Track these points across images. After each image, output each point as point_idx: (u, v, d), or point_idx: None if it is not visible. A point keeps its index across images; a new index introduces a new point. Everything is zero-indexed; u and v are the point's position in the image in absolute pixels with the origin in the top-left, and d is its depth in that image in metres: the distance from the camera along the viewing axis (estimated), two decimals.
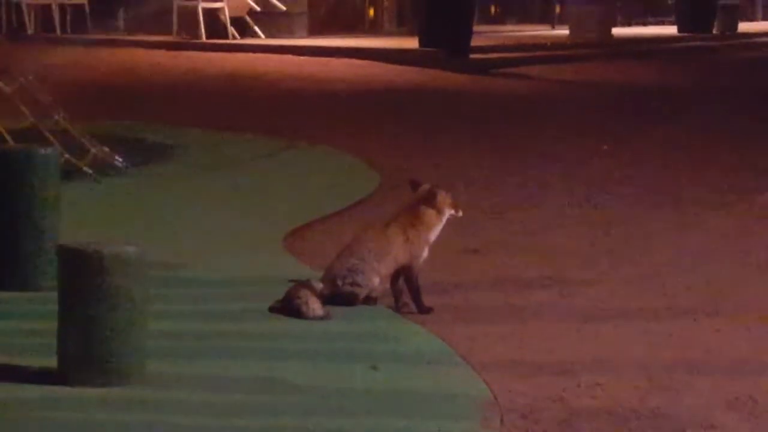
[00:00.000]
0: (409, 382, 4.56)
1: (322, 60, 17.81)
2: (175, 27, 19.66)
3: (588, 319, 5.56)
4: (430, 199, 5.55)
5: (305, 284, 5.38)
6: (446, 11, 17.98)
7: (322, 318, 5.23)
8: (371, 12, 23.17)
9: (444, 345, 5.00)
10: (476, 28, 19.43)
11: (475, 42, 18.78)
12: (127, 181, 8.47)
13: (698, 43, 23.74)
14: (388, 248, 5.45)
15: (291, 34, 20.29)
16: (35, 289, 5.52)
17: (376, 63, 17.55)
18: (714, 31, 25.36)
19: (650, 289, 6.13)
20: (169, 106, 13.01)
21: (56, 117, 8.78)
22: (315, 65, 17.29)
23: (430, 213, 5.53)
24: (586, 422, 4.32)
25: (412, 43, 18.95)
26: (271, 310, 5.32)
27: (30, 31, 20.02)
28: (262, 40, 19.64)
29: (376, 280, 5.44)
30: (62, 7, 20.25)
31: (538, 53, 20.07)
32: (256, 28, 19.98)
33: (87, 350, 4.36)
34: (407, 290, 5.51)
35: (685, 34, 24.68)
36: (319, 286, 5.38)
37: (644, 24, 27.82)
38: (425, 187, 5.61)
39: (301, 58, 18.04)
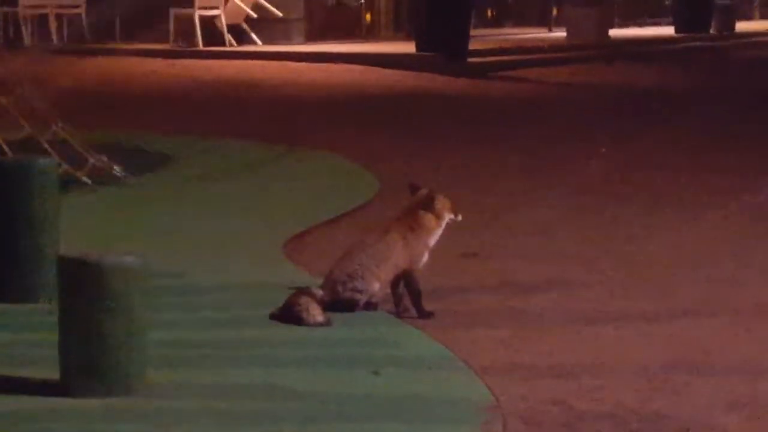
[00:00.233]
0: (410, 387, 4.56)
1: (320, 66, 17.81)
2: (171, 35, 19.67)
3: (588, 322, 5.57)
4: (429, 204, 5.55)
5: (305, 291, 5.38)
6: (443, 15, 17.99)
7: (322, 324, 5.23)
8: (368, 17, 23.18)
9: (445, 349, 5.00)
10: (473, 31, 19.42)
11: (473, 45, 18.79)
12: (126, 190, 8.47)
13: (696, 43, 23.74)
14: (387, 253, 5.45)
15: (288, 40, 20.30)
16: (35, 300, 5.52)
17: (373, 68, 17.55)
18: (711, 31, 25.36)
19: (650, 291, 6.14)
20: (167, 114, 13.01)
21: (54, 127, 8.78)
22: (312, 71, 17.30)
23: (429, 217, 5.53)
24: (588, 425, 4.32)
25: (409, 47, 18.96)
26: (272, 317, 5.33)
27: (27, 41, 20.02)
28: (259, 46, 19.65)
29: (377, 286, 5.44)
30: (59, 17, 20.26)
31: (535, 56, 20.07)
32: (253, 35, 19.98)
33: (88, 361, 4.36)
34: (407, 295, 5.51)
35: (683, 35, 24.68)
36: (320, 292, 5.38)
37: (641, 25, 27.82)
38: (424, 191, 5.61)
39: (299, 64, 18.04)
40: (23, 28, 20.06)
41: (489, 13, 26.43)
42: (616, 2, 26.49)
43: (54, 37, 20.12)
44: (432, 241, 5.55)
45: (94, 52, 18.96)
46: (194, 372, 4.68)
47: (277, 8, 20.14)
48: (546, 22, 25.57)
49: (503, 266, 6.61)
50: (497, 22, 26.26)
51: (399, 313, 5.51)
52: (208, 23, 19.63)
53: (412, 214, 5.55)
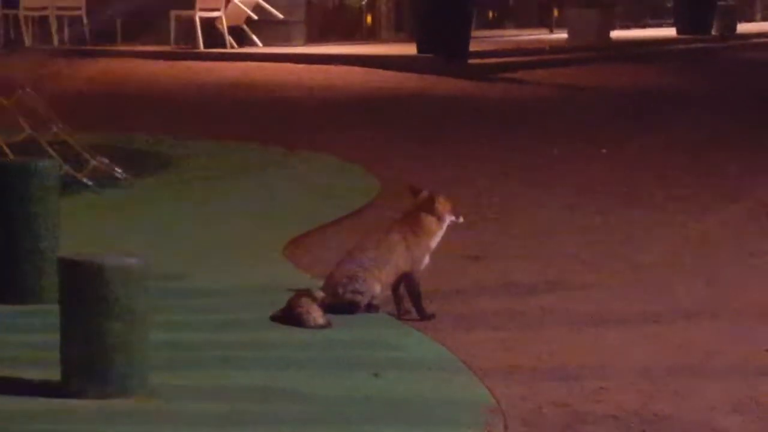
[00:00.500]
0: (411, 389, 4.56)
1: (321, 68, 17.81)
2: (172, 37, 19.67)
3: (590, 323, 5.56)
4: (429, 206, 5.54)
5: (306, 293, 5.38)
6: (444, 16, 17.98)
7: (323, 326, 5.23)
8: (369, 19, 23.18)
9: (446, 351, 4.99)
10: (474, 33, 19.42)
11: (474, 47, 18.79)
12: (127, 191, 8.46)
13: (697, 44, 23.73)
14: (388, 256, 5.45)
15: (289, 42, 20.30)
16: (36, 302, 5.51)
17: (374, 70, 17.56)
18: (713, 33, 25.35)
19: (651, 292, 6.13)
20: (167, 116, 13.00)
21: (55, 129, 8.77)
22: (313, 73, 17.30)
23: (430, 220, 5.52)
24: (590, 427, 4.32)
25: (410, 49, 18.96)
26: (273, 319, 5.32)
27: (27, 43, 20.03)
28: (260, 48, 19.65)
29: (377, 288, 5.44)
30: (60, 19, 20.26)
31: (536, 57, 20.07)
32: (254, 37, 19.99)
33: (89, 362, 4.35)
34: (408, 297, 5.51)
35: (684, 36, 24.67)
36: (321, 294, 5.37)
37: (643, 26, 27.82)
38: (425, 193, 5.61)
39: (299, 66, 18.05)
40: (24, 29, 20.07)
41: (490, 14, 26.44)
42: (618, 3, 26.49)
43: (55, 38, 20.12)
44: (433, 243, 5.54)
45: (94, 54, 18.97)
46: (195, 373, 4.67)
47: (278, 10, 20.14)
48: (547, 24, 25.57)
49: (504, 268, 6.60)
50: (498, 24, 26.26)
51: (400, 314, 5.50)
52: (209, 25, 19.64)
53: (413, 216, 5.54)
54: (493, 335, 5.35)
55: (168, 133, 11.26)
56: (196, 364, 4.79)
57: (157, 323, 4.78)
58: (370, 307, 5.45)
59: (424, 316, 5.48)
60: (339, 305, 5.38)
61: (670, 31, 25.80)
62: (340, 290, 5.40)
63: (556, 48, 21.47)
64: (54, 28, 20.10)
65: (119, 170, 8.69)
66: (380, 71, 17.45)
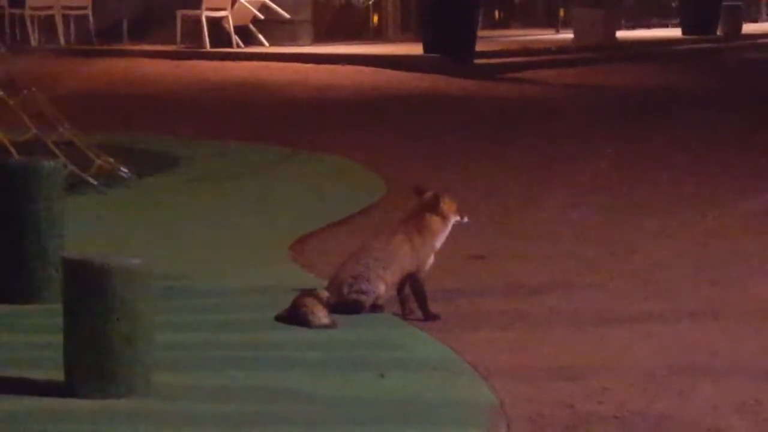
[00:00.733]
0: (415, 389, 4.56)
1: (327, 67, 17.82)
2: (179, 36, 19.69)
3: (594, 324, 5.56)
4: (435, 206, 5.55)
5: (311, 293, 5.38)
6: (450, 16, 17.98)
7: (328, 326, 5.23)
8: (375, 18, 23.18)
9: (450, 352, 5.00)
10: (480, 33, 19.42)
11: (480, 47, 18.78)
12: (132, 191, 8.47)
13: (703, 45, 23.71)
14: (393, 256, 5.45)
15: (295, 41, 20.31)
16: (41, 301, 5.52)
17: (380, 69, 17.56)
18: (718, 33, 25.32)
19: (655, 292, 6.13)
20: (173, 115, 13.01)
21: (60, 128, 8.79)
22: (320, 73, 17.31)
23: (435, 220, 5.53)
24: (594, 427, 4.32)
25: (416, 49, 18.95)
26: (278, 319, 5.32)
27: (33, 43, 20.05)
28: (267, 48, 19.66)
29: (382, 288, 5.44)
30: (66, 18, 20.28)
31: (542, 57, 20.06)
32: (260, 37, 20.00)
33: (93, 362, 4.36)
34: (413, 297, 5.51)
35: (690, 36, 24.65)
36: (325, 294, 5.38)
37: (648, 27, 27.80)
38: (430, 193, 5.61)
39: (306, 65, 18.05)
40: (30, 29, 20.09)
41: (496, 14, 26.42)
42: (623, 4, 26.47)
43: (61, 38, 20.15)
44: (438, 243, 5.55)
45: (100, 53, 18.99)
46: (199, 374, 4.68)
47: (285, 10, 20.15)
48: (553, 24, 25.55)
49: (509, 268, 6.60)
50: (504, 24, 26.25)
51: (405, 315, 5.50)
52: (216, 24, 19.65)
53: (418, 217, 5.55)
54: (498, 336, 5.35)
55: (173, 132, 11.27)
56: (200, 365, 4.79)
57: (161, 323, 4.78)
58: (375, 308, 5.46)
59: (428, 316, 5.48)
60: (344, 305, 5.39)
61: (676, 32, 25.78)
62: (345, 290, 5.40)
63: (561, 48, 21.47)
64: (60, 27, 20.12)
65: (124, 170, 8.71)
66: (386, 71, 17.45)
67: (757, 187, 9.09)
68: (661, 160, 10.38)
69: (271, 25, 20.11)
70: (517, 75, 17.95)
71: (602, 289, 6.17)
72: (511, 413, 4.35)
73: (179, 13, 19.57)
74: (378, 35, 22.80)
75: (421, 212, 5.55)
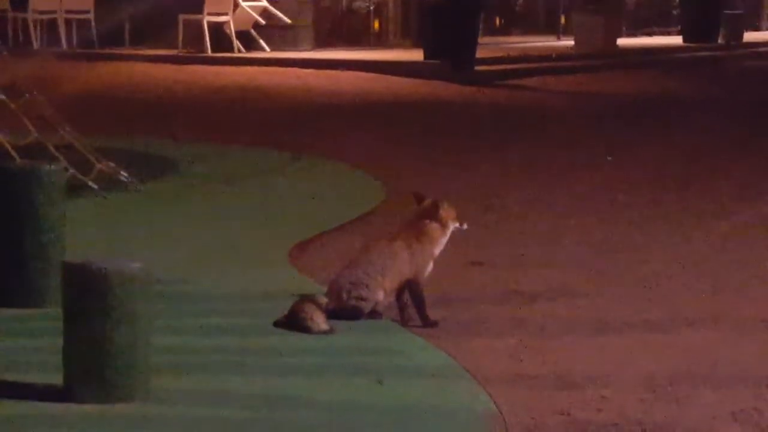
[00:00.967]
0: (414, 396, 4.57)
1: (328, 73, 17.83)
2: (180, 41, 19.71)
3: (593, 332, 5.57)
4: (433, 213, 5.55)
5: (310, 299, 5.39)
6: (451, 23, 17.99)
7: (326, 332, 5.24)
8: (376, 24, 23.18)
9: (449, 359, 5.00)
10: (481, 39, 19.40)
11: (480, 53, 18.78)
12: (133, 196, 8.48)
13: (704, 52, 23.71)
14: (392, 262, 5.45)
15: (296, 47, 20.32)
16: (40, 306, 5.53)
17: (381, 75, 17.56)
18: (719, 41, 25.33)
19: (654, 300, 6.13)
20: (174, 120, 13.02)
21: (61, 132, 8.79)
22: (320, 78, 17.31)
23: (434, 227, 5.53)
24: None
25: (417, 55, 18.96)
26: (276, 324, 5.33)
27: (36, 46, 20.07)
28: (268, 53, 19.67)
29: (381, 294, 5.45)
30: (68, 22, 20.30)
31: (543, 64, 20.05)
32: (262, 42, 20.01)
33: (92, 367, 4.36)
34: (412, 304, 5.52)
35: (691, 44, 24.66)
36: (324, 300, 5.38)
37: (650, 34, 27.81)
38: (429, 200, 5.62)
39: (307, 71, 18.06)
40: (32, 32, 20.11)
41: (497, 21, 26.44)
42: (625, 11, 26.47)
43: (63, 42, 20.16)
44: (437, 250, 5.55)
45: (102, 58, 19.00)
46: (198, 379, 4.68)
47: (286, 15, 20.17)
48: (554, 31, 25.56)
49: (508, 275, 6.61)
50: (505, 30, 26.25)
51: (403, 321, 5.51)
52: (217, 29, 19.67)
53: (417, 223, 5.55)
54: (496, 342, 5.36)
55: (174, 137, 11.27)
56: (198, 370, 4.80)
57: (160, 328, 4.79)
58: (374, 314, 5.46)
59: (427, 323, 5.49)
60: (342, 311, 5.39)
61: (677, 39, 25.78)
62: (344, 296, 5.41)
63: (562, 55, 21.47)
64: (62, 31, 20.14)
65: (125, 174, 8.71)
66: (387, 77, 17.46)
67: (758, 194, 9.10)
68: (662, 167, 10.39)
69: (272, 30, 20.13)
70: (517, 82, 17.96)
71: (601, 297, 6.17)
72: (509, 420, 4.36)
73: (181, 17, 19.59)
74: (378, 41, 22.80)
75: (420, 219, 5.56)
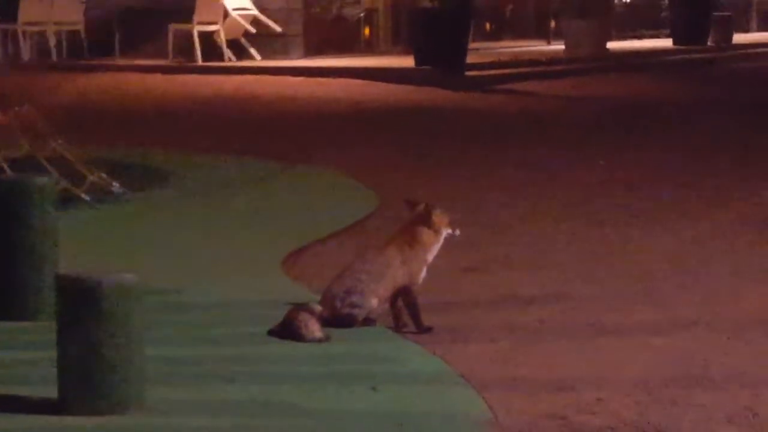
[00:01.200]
0: (409, 402, 4.56)
1: (319, 80, 17.84)
2: (170, 51, 19.71)
3: (587, 335, 5.57)
4: (426, 219, 5.55)
5: (304, 307, 5.39)
6: (441, 29, 18.01)
7: (321, 340, 5.23)
8: (367, 31, 23.21)
9: (443, 364, 5.00)
10: (472, 44, 19.44)
11: (471, 59, 18.81)
12: (125, 206, 8.47)
13: (693, 55, 23.76)
14: (385, 269, 5.45)
15: (287, 55, 20.34)
16: (34, 318, 5.52)
17: (372, 82, 17.58)
18: (709, 43, 25.38)
19: (649, 303, 6.14)
20: (165, 130, 13.02)
21: (53, 144, 8.78)
22: (311, 86, 17.32)
23: (426, 233, 5.53)
24: None
25: (407, 61, 18.99)
26: (270, 333, 5.33)
27: (26, 58, 20.06)
28: (258, 62, 19.68)
29: (375, 302, 5.44)
30: (58, 34, 20.29)
31: (534, 69, 20.09)
32: (252, 50, 20.02)
33: (86, 379, 4.36)
34: (406, 310, 5.51)
35: (681, 47, 24.71)
36: (318, 308, 5.38)
37: (639, 37, 27.85)
38: (422, 206, 5.62)
39: (298, 79, 18.07)
40: (22, 44, 20.10)
41: (487, 26, 26.47)
42: (614, 14, 26.51)
43: (53, 53, 20.16)
44: (430, 256, 5.55)
45: (93, 68, 19.00)
46: (193, 389, 4.68)
47: (276, 23, 20.17)
48: (545, 35, 25.59)
49: (502, 280, 6.61)
50: (496, 36, 26.28)
51: (398, 328, 5.51)
52: (208, 39, 19.67)
53: (409, 230, 5.55)
54: (491, 348, 5.36)
55: (165, 147, 11.27)
56: (193, 379, 4.79)
57: (155, 338, 4.79)
58: (368, 321, 5.46)
59: (421, 329, 5.49)
60: (337, 319, 5.39)
61: (667, 42, 25.83)
62: (338, 304, 5.41)
63: (553, 59, 21.50)
64: (52, 42, 20.13)
65: (117, 185, 8.71)
66: (378, 84, 17.48)
67: (749, 195, 9.11)
68: (654, 170, 10.40)
69: (262, 39, 20.14)
70: (509, 87, 17.98)
71: (595, 300, 6.18)
72: (505, 425, 4.36)
73: (171, 27, 19.59)
74: (369, 48, 22.82)
75: (413, 225, 5.56)
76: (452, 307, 5.98)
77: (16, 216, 5.62)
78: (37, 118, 8.95)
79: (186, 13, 19.44)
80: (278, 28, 20.22)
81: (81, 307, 4.36)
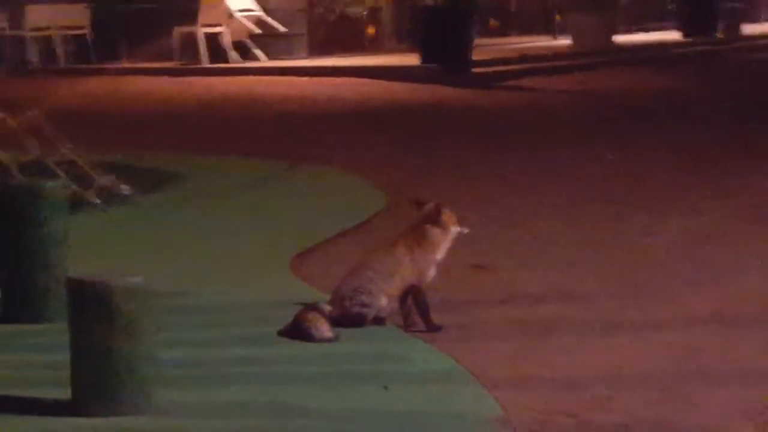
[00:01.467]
0: (419, 401, 4.56)
1: (324, 80, 17.84)
2: (176, 53, 19.72)
3: (598, 332, 5.56)
4: (435, 218, 5.55)
5: (313, 307, 5.39)
6: (446, 26, 17.99)
7: (330, 340, 5.24)
8: (371, 30, 23.20)
9: (454, 363, 5.00)
10: (477, 41, 19.42)
11: (477, 56, 18.79)
12: (134, 209, 8.48)
13: (702, 47, 23.69)
14: (395, 268, 5.46)
15: (291, 55, 20.34)
16: (46, 321, 5.53)
17: (377, 81, 17.57)
18: (718, 35, 25.31)
19: (660, 299, 6.13)
20: (172, 132, 13.04)
21: (62, 149, 8.79)
22: (317, 85, 17.33)
23: (435, 232, 5.54)
24: None
25: (413, 59, 18.97)
26: (280, 333, 5.33)
27: (33, 64, 20.09)
28: (263, 62, 19.69)
29: (384, 301, 5.45)
30: (64, 38, 20.32)
31: (540, 64, 20.05)
32: (257, 51, 20.03)
33: (98, 381, 4.37)
34: (416, 309, 5.52)
35: (689, 39, 24.64)
36: (327, 308, 5.39)
37: (646, 30, 27.79)
38: (430, 205, 5.62)
39: (302, 78, 18.08)
40: (29, 49, 20.12)
41: (492, 22, 26.44)
42: (621, 8, 26.46)
43: (60, 57, 20.18)
44: (439, 255, 5.55)
45: (99, 72, 19.02)
46: (204, 391, 4.69)
47: (281, 23, 20.18)
48: (550, 30, 25.55)
49: (511, 278, 6.61)
50: (501, 32, 26.26)
51: (407, 327, 5.51)
52: (213, 40, 19.68)
53: (418, 229, 5.56)
54: (501, 346, 5.36)
55: (173, 149, 11.29)
56: (203, 381, 4.80)
57: (165, 340, 4.79)
58: (377, 320, 5.46)
59: (431, 327, 5.49)
60: (346, 318, 5.40)
61: (674, 34, 25.76)
62: (347, 303, 5.41)
63: (559, 54, 21.47)
64: (59, 47, 20.15)
65: (126, 187, 8.72)
66: (383, 82, 17.47)
67: (757, 190, 9.09)
68: (664, 165, 10.38)
69: (267, 39, 20.15)
70: (515, 83, 17.96)
71: (605, 297, 6.17)
72: (516, 423, 4.35)
73: (176, 30, 19.61)
74: (374, 46, 22.81)
75: (421, 224, 5.56)
76: (461, 306, 5.98)
77: (27, 220, 5.64)
78: (45, 123, 8.96)
79: (191, 16, 19.46)
80: (282, 29, 20.22)
81: (92, 309, 4.37)
